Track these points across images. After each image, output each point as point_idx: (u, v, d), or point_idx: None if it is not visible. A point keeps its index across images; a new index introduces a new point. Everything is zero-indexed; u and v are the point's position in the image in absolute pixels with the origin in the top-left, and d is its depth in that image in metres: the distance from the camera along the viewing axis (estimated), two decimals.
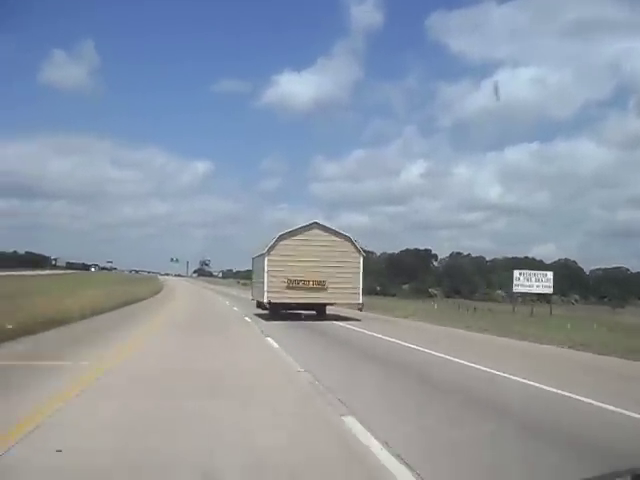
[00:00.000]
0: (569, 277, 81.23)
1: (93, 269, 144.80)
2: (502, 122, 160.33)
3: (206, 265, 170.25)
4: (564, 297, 74.22)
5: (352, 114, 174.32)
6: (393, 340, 14.76)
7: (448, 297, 79.67)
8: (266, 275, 20.89)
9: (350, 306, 24.60)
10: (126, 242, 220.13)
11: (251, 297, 26.59)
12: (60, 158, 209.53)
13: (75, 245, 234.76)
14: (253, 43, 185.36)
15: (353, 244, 21.98)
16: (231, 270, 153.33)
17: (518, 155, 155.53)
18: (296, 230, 21.80)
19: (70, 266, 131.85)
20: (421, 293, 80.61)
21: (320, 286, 21.00)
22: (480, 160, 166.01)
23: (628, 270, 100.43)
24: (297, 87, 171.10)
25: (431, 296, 77.23)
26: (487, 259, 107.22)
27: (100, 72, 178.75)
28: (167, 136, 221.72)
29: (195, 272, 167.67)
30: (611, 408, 6.72)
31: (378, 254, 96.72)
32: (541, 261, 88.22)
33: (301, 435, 5.29)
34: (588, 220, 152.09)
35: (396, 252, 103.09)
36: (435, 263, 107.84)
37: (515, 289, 26.90)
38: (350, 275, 21.56)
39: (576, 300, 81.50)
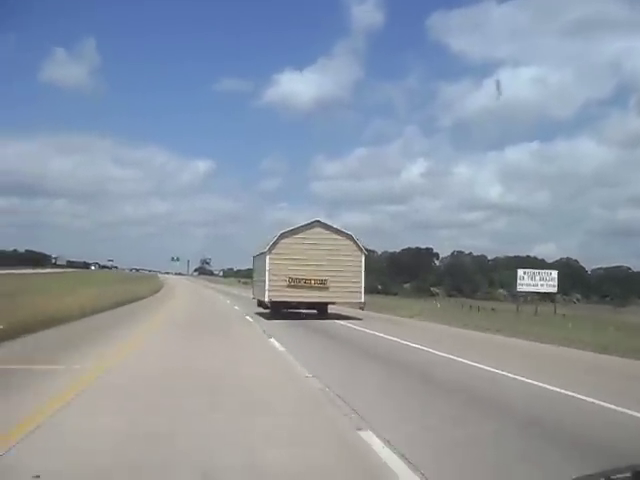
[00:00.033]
0: (571, 276, 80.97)
1: (93, 267, 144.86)
2: (503, 121, 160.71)
3: (207, 264, 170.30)
4: (565, 296, 73.97)
5: (353, 113, 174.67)
6: (416, 346, 13.14)
7: (450, 296, 79.58)
8: (267, 274, 20.74)
9: (352, 305, 24.46)
10: (127, 241, 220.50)
11: (252, 296, 26.44)
12: (61, 157, 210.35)
13: (76, 244, 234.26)
14: (254, 42, 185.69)
15: (355, 242, 21.81)
16: (232, 269, 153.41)
17: (519, 154, 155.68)
18: (298, 228, 21.65)
19: (71, 265, 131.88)
20: (422, 292, 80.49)
21: (322, 285, 20.84)
22: (481, 159, 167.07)
23: (629, 269, 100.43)
24: (298, 86, 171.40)
25: (432, 295, 77.10)
26: (489, 258, 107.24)
27: (101, 71, 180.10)
28: (168, 135, 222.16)
29: (196, 271, 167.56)
30: None
31: (379, 253, 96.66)
32: (543, 260, 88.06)
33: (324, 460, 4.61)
34: (589, 219, 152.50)
35: (397, 251, 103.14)
36: (436, 262, 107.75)
37: (519, 288, 26.66)
38: (352, 274, 21.41)
39: (577, 299, 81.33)
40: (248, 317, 21.09)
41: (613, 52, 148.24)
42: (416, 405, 6.81)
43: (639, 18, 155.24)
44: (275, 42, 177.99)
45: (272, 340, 13.32)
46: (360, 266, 21.66)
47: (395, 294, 70.06)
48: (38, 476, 3.81)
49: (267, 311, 22.00)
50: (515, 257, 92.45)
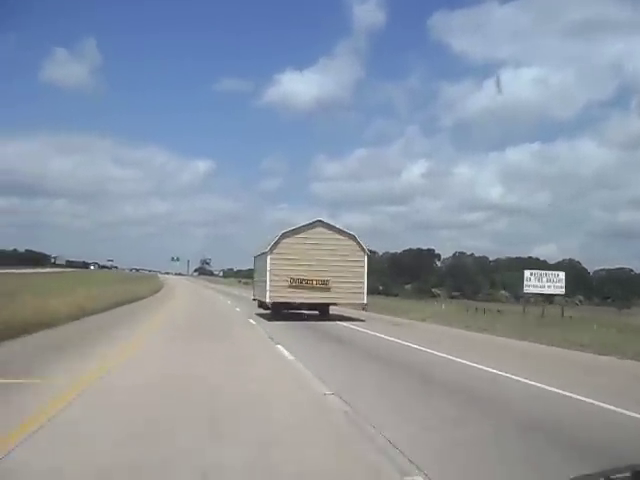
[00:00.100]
0: (573, 278, 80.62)
1: (92, 267, 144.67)
2: (504, 122, 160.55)
3: (207, 264, 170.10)
4: (567, 298, 73.61)
5: (354, 114, 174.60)
6: (462, 361, 11.00)
7: (451, 297, 79.22)
8: (268, 274, 20.38)
9: (354, 306, 24.06)
10: (127, 241, 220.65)
11: (253, 297, 25.99)
12: (61, 156, 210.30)
13: (76, 244, 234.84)
14: (255, 42, 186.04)
15: (358, 243, 21.43)
16: (232, 269, 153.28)
17: (520, 155, 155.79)
18: (299, 228, 21.28)
19: (70, 264, 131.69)
20: (424, 293, 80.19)
21: (324, 285, 20.49)
22: (482, 160, 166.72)
23: (632, 271, 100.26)
24: (299, 86, 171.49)
25: (434, 296, 76.76)
26: (490, 259, 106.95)
27: (101, 71, 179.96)
28: (168, 135, 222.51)
29: (196, 271, 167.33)
30: None
31: (380, 254, 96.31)
32: (545, 261, 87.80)
33: None
34: (590, 221, 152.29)
35: (398, 252, 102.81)
36: (438, 263, 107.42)
37: (526, 289, 26.15)
38: (354, 274, 21.06)
39: (580, 301, 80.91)
40: (251, 320, 20.19)
41: (615, 53, 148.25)
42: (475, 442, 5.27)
43: None
44: (276, 42, 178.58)
45: (279, 347, 12.27)
46: (363, 267, 21.30)
47: (396, 295, 69.66)
48: None
49: (268, 312, 21.60)
50: (517, 258, 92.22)
